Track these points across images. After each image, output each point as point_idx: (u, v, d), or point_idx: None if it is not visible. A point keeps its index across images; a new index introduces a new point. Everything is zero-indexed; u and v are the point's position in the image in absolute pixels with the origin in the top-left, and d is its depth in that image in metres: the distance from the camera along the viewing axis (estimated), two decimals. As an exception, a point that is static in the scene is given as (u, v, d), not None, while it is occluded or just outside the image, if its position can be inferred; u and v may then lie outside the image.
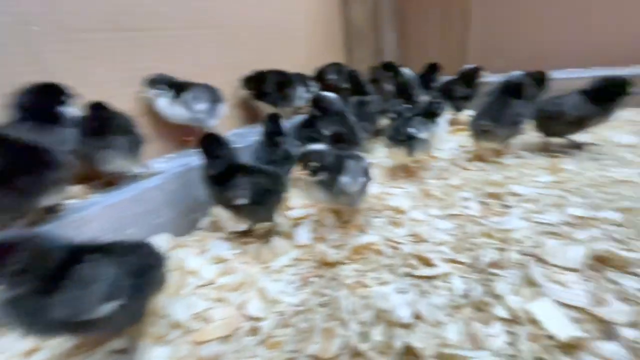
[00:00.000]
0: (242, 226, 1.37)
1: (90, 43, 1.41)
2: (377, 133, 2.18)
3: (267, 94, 1.98)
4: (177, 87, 1.61)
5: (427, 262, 1.05)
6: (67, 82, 1.17)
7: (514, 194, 1.37)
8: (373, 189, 1.58)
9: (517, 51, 2.64)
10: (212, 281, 1.10)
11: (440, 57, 2.78)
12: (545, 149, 1.73)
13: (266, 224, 1.35)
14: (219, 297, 1.03)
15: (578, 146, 1.68)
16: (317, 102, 1.76)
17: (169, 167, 1.50)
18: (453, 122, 2.32)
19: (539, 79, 1.98)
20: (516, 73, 1.69)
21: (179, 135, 1.76)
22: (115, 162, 1.27)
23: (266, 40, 2.28)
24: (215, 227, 1.44)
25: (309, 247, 1.22)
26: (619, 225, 1.09)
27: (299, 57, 2.56)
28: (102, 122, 1.25)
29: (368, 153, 2.13)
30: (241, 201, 1.18)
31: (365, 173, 1.26)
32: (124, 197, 1.22)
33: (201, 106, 1.64)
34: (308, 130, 1.76)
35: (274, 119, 1.62)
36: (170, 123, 1.67)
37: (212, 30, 1.92)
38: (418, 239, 1.20)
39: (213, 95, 1.69)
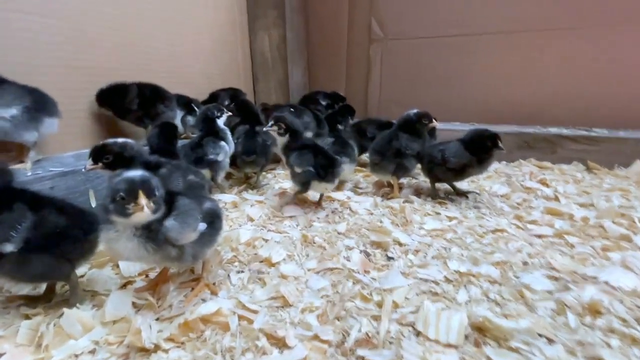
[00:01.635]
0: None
1: None
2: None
3: (130, 111, 1.59)
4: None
5: (280, 343, 0.77)
6: None
7: (399, 243, 1.23)
8: (247, 233, 1.30)
9: (413, 102, 2.80)
10: None
11: (345, 93, 2.80)
12: (431, 195, 1.70)
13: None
14: None
15: (463, 194, 1.69)
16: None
17: None
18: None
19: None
20: (413, 110, 1.68)
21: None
22: None
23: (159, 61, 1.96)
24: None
25: (124, 322, 0.84)
26: (494, 282, 1.00)
27: (197, 82, 2.27)
28: None
29: (256, 187, 1.87)
30: (4, 248, 0.75)
31: (211, 216, 0.96)
32: None
33: (11, 112, 1.18)
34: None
35: (165, 131, 1.41)
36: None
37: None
38: (281, 303, 0.92)
39: (34, 102, 1.24)
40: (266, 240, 1.26)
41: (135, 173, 0.82)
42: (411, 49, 2.82)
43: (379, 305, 0.90)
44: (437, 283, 1.00)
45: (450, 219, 1.44)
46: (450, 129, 2.33)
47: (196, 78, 2.36)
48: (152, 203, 0.78)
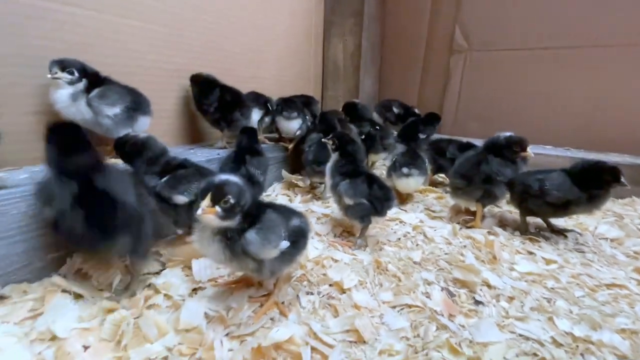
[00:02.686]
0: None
1: None
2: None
3: (207, 112, 1.64)
4: (92, 80, 1.24)
5: (360, 392, 0.68)
6: None
7: (488, 285, 1.07)
8: (315, 250, 1.24)
9: (495, 119, 2.54)
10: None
11: (417, 106, 2.65)
12: (520, 229, 1.48)
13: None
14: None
15: (560, 232, 1.45)
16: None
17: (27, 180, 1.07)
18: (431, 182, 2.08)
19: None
20: (504, 134, 1.49)
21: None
22: None
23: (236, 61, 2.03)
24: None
25: (196, 332, 0.82)
26: (623, 356, 0.80)
27: (270, 88, 2.31)
28: None
29: (321, 198, 1.81)
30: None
31: (296, 235, 0.90)
32: None
33: (114, 110, 1.27)
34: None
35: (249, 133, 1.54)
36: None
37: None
38: (357, 338, 0.83)
39: (133, 102, 1.32)
40: (335, 261, 1.18)
41: (221, 176, 0.81)
42: (497, 62, 2.57)
43: (473, 363, 0.77)
44: (541, 344, 0.84)
45: (547, 261, 1.23)
46: (540, 153, 2.06)
47: (270, 84, 2.40)
48: (221, 209, 0.76)
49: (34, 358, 0.73)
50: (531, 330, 0.87)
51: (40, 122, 1.28)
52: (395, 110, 2.57)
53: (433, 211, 1.71)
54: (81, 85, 1.20)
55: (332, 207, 1.70)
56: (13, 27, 1.16)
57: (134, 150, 1.13)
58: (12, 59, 1.17)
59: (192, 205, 1.07)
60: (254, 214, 0.82)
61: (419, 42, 2.79)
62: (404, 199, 1.84)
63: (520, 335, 0.87)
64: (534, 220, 1.54)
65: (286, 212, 0.92)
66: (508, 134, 1.49)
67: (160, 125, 1.72)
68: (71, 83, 1.18)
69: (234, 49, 2.06)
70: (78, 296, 0.94)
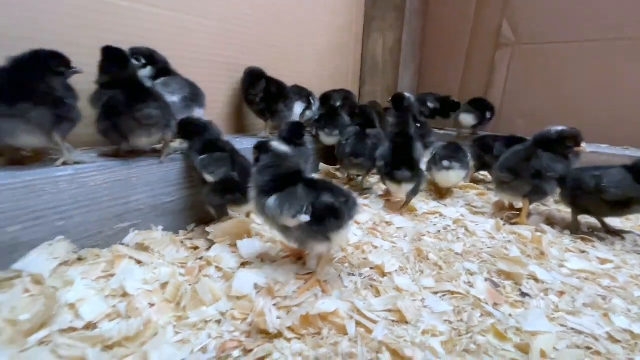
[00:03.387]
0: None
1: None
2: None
3: (253, 102, 1.72)
4: (159, 69, 1.37)
5: (405, 363, 0.70)
6: None
7: (535, 279, 1.03)
8: (355, 236, 1.26)
9: (543, 115, 2.41)
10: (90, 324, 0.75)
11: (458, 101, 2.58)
12: (571, 228, 1.41)
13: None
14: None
15: (616, 233, 1.36)
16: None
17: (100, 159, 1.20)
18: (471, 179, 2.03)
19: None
20: (556, 127, 1.42)
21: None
22: (22, 137, 0.97)
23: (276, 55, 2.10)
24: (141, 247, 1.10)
25: (247, 300, 0.87)
26: (690, 358, 0.75)
27: (310, 83, 2.36)
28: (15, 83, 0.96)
29: (360, 189, 1.83)
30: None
31: (323, 212, 0.90)
32: (11, 182, 0.90)
33: (172, 99, 1.37)
34: None
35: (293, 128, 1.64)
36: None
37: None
38: (399, 318, 0.85)
39: (191, 93, 1.43)
40: (375, 247, 1.20)
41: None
42: (547, 55, 2.44)
43: (520, 349, 0.75)
44: (596, 339, 0.80)
45: (602, 261, 1.16)
46: (595, 152, 1.93)
47: (310, 78, 2.46)
48: None
49: (109, 309, 0.82)
50: (584, 325, 0.84)
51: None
52: (430, 105, 2.51)
53: (474, 207, 1.67)
54: (146, 71, 1.32)
55: (370, 199, 1.71)
56: (92, 21, 1.30)
57: (195, 130, 1.23)
58: (92, 50, 1.31)
59: (220, 185, 1.17)
60: (286, 183, 0.93)
61: (462, 36, 2.72)
62: (443, 194, 1.81)
63: (572, 329, 0.84)
64: (586, 220, 1.46)
65: (324, 189, 0.95)
66: (560, 127, 1.42)
67: (211, 116, 1.83)
68: (137, 69, 1.30)
69: (278, 43, 2.14)
70: (139, 262, 1.04)
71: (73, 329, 0.76)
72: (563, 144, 1.41)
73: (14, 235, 0.93)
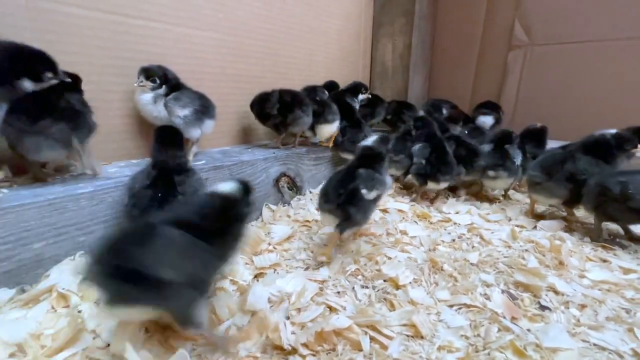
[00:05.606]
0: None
1: None
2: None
3: (270, 116, 1.74)
4: (172, 85, 1.41)
5: (421, 383, 0.69)
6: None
7: (555, 291, 1.01)
8: (367, 246, 1.26)
9: (559, 118, 2.35)
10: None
11: (470, 105, 2.55)
12: (592, 235, 1.37)
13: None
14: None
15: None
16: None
17: (119, 173, 1.23)
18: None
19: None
20: (609, 131, 1.43)
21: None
22: (45, 152, 1.01)
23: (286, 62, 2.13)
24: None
25: (261, 316, 0.88)
26: None
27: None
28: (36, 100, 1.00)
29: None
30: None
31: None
32: (36, 200, 0.93)
33: (184, 112, 1.40)
34: None
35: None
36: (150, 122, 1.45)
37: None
38: (414, 333, 0.84)
39: (201, 106, 1.45)
40: (389, 258, 1.19)
41: None
42: (562, 56, 2.38)
43: (541, 367, 0.74)
44: (620, 356, 0.78)
45: (625, 270, 1.12)
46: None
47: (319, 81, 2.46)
48: None
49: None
50: (607, 341, 0.81)
51: (127, 124, 1.46)
52: (445, 112, 2.48)
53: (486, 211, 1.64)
54: (161, 90, 1.36)
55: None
56: (107, 41, 1.34)
57: None
58: (107, 69, 1.36)
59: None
60: None
61: (473, 39, 2.68)
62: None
63: (595, 344, 0.81)
64: (607, 227, 1.42)
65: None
66: (613, 130, 1.42)
67: (221, 127, 1.86)
68: (153, 89, 1.34)
69: (289, 54, 2.16)
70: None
71: (99, 348, 0.77)
72: (622, 148, 1.40)
73: (39, 251, 0.96)
